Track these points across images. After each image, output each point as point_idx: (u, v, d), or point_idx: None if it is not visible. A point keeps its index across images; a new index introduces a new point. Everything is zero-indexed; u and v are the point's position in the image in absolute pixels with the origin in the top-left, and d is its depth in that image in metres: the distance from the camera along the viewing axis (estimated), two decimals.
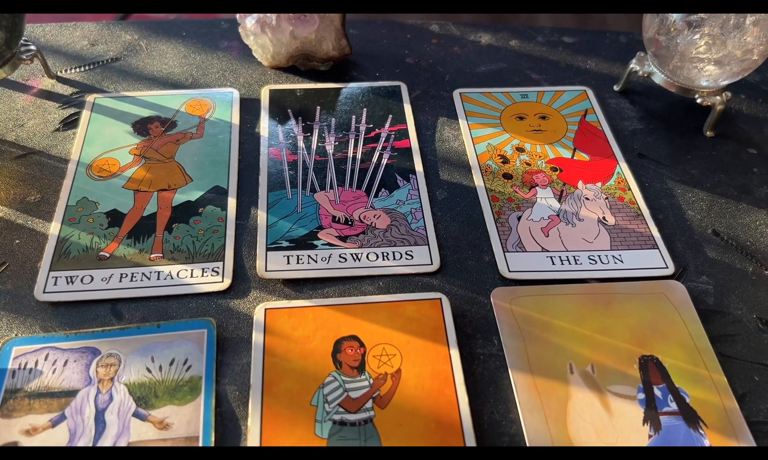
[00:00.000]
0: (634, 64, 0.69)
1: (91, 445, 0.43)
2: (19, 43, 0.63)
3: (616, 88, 0.72)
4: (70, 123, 0.65)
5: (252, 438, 0.44)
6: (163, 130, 0.64)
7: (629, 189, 0.61)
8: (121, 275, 0.53)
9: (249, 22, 0.68)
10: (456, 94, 0.70)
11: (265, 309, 0.50)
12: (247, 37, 0.70)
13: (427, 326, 0.50)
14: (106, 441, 0.43)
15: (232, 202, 0.58)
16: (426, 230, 0.57)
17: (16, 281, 0.52)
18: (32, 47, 0.66)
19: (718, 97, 0.65)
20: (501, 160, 0.63)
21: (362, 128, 0.66)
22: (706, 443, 0.45)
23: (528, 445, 0.44)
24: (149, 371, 0.47)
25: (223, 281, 0.53)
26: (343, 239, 0.56)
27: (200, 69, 0.71)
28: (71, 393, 0.45)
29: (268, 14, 0.67)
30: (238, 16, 0.70)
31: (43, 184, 0.59)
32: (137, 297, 0.52)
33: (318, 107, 0.68)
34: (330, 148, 0.64)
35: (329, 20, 0.68)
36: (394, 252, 0.55)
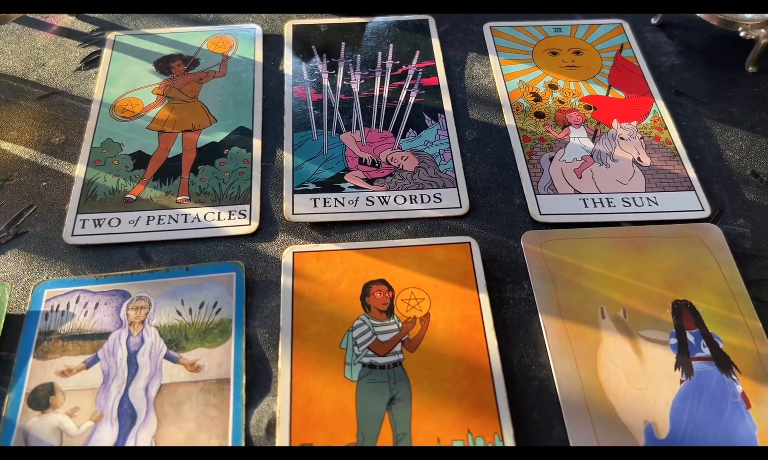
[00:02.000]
0: None
1: (124, 386, 0.44)
2: None
3: (653, 21, 0.69)
4: (92, 62, 0.64)
5: (283, 381, 0.44)
6: (186, 68, 0.63)
7: (665, 128, 0.59)
8: (148, 217, 0.52)
9: None
10: (486, 28, 0.68)
11: (293, 252, 0.50)
12: None
13: (456, 270, 0.49)
14: (140, 383, 0.44)
15: (257, 144, 0.57)
16: (455, 172, 0.56)
17: (45, 224, 0.52)
18: None
19: (762, 30, 0.62)
20: (533, 98, 0.61)
21: (389, 65, 0.64)
22: (739, 389, 0.44)
23: (558, 390, 0.44)
24: (179, 313, 0.47)
25: (250, 224, 0.52)
26: (370, 181, 0.55)
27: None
28: (103, 335, 0.46)
29: None
30: None
31: (66, 125, 0.59)
32: (165, 240, 0.51)
33: (343, 43, 0.66)
34: (356, 87, 0.62)
35: None
36: (422, 195, 0.54)
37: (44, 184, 0.55)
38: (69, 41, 0.65)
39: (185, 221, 0.52)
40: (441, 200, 0.54)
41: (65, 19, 0.67)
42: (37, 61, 0.63)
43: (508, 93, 0.62)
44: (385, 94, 0.61)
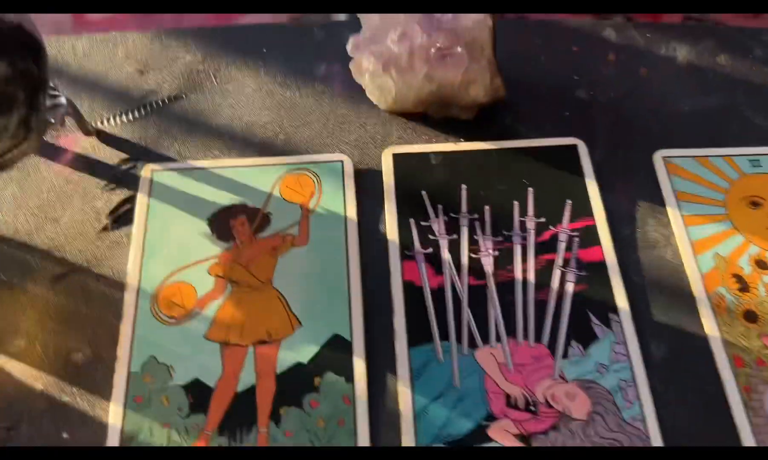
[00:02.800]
0: None
1: None
2: (43, 105, 0.44)
3: None
4: (122, 217, 0.46)
5: None
6: (253, 229, 0.46)
7: None
8: None
9: (366, 62, 0.47)
10: (658, 159, 0.49)
11: None
12: (361, 76, 0.49)
13: None
14: None
15: (359, 368, 0.41)
16: (645, 423, 0.39)
17: None
18: (62, 100, 0.46)
19: None
20: (737, 284, 0.44)
21: (531, 226, 0.46)
22: None
23: None
24: None
25: None
26: (526, 438, 0.39)
27: (293, 114, 0.51)
28: None
29: (395, 50, 0.46)
30: (349, 48, 0.48)
31: (92, 328, 0.42)
32: None
33: (463, 186, 0.48)
34: (488, 264, 0.45)
35: (479, 52, 0.47)
36: None
37: (66, 436, 0.39)
38: (89, 180, 0.48)
39: None
40: None
41: (83, 143, 0.49)
42: (47, 215, 0.46)
43: (702, 275, 0.44)
44: (531, 278, 0.44)
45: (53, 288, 0.43)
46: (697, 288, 0.44)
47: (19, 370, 0.41)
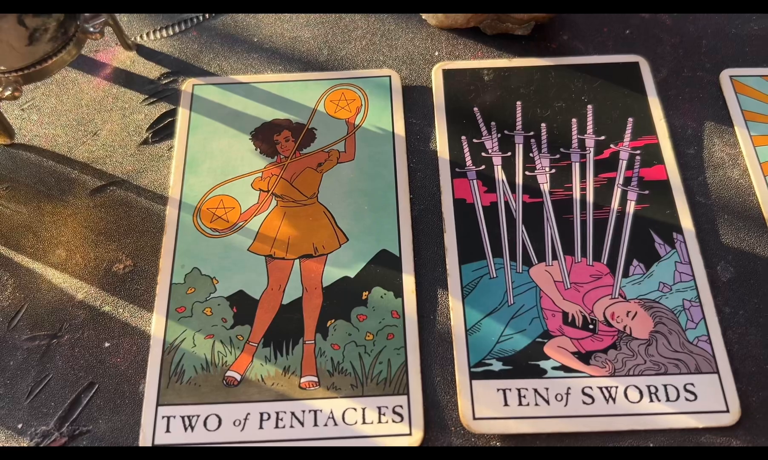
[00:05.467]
0: None
1: None
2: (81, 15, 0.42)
3: None
4: (163, 129, 0.45)
5: None
6: (296, 145, 0.44)
7: None
8: (261, 416, 0.35)
9: None
10: (725, 78, 0.46)
11: None
12: None
13: None
14: None
15: (408, 283, 0.39)
16: (711, 344, 0.37)
17: (112, 419, 0.36)
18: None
19: None
20: None
21: (590, 144, 0.44)
22: None
23: None
24: None
25: (411, 434, 0.35)
26: (585, 357, 0.37)
27: (338, 32, 0.49)
28: None
29: None
30: None
31: (133, 240, 0.41)
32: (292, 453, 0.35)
33: (518, 103, 0.45)
34: (544, 182, 0.42)
35: None
36: (665, 386, 0.36)
37: (107, 344, 0.38)
38: (129, 94, 0.46)
39: (314, 424, 0.35)
40: (695, 397, 0.36)
41: (122, 57, 0.48)
42: (86, 128, 0.45)
43: None
44: (590, 197, 0.42)
45: (92, 198, 0.42)
46: (767, 207, 0.41)
47: (60, 280, 0.40)
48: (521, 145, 0.44)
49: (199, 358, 0.37)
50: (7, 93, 0.40)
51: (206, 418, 0.36)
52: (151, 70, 0.47)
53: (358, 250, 0.40)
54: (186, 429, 0.35)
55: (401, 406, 0.36)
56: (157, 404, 0.36)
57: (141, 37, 0.49)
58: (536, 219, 0.41)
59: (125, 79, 0.47)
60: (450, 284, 0.39)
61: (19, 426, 0.36)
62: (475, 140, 0.44)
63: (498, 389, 0.36)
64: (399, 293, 0.39)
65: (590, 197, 0.42)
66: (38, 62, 0.40)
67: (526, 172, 0.43)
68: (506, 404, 0.36)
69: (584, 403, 0.36)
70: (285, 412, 0.36)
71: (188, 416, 0.36)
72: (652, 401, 0.35)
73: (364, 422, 0.35)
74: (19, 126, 0.45)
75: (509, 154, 0.43)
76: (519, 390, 0.36)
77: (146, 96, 0.46)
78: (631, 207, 0.41)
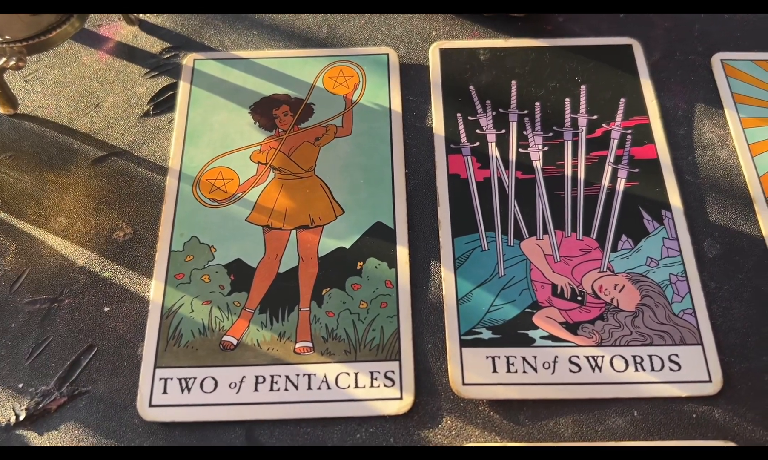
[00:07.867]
0: None
1: None
2: None
3: None
4: (163, 102, 0.46)
5: None
6: (295, 119, 0.45)
7: None
8: (257, 379, 0.36)
9: None
10: (716, 61, 0.47)
11: None
12: None
13: None
14: None
15: (402, 255, 0.40)
16: (696, 317, 0.38)
17: (111, 380, 0.37)
18: None
19: None
20: None
21: (582, 123, 0.44)
22: None
23: None
24: None
25: (401, 398, 0.36)
26: (572, 327, 0.38)
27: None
28: None
29: None
30: None
31: (133, 208, 0.42)
32: (280, 419, 0.36)
33: (513, 82, 0.46)
34: (537, 159, 0.43)
35: None
36: (650, 356, 0.37)
37: (107, 309, 0.39)
38: (131, 68, 0.47)
39: (308, 388, 0.36)
40: (679, 367, 0.37)
41: (124, 32, 0.49)
42: (89, 100, 0.46)
43: (759, 177, 0.42)
44: (581, 174, 0.43)
45: (93, 168, 0.43)
46: (755, 189, 0.42)
47: (61, 246, 0.41)
48: (515, 123, 0.44)
49: (197, 323, 0.38)
50: (12, 63, 0.41)
51: (203, 380, 0.36)
52: (153, 45, 0.48)
53: (354, 222, 0.41)
54: (183, 391, 0.36)
55: (393, 371, 0.37)
56: (155, 367, 0.37)
57: (143, 13, 0.50)
58: (528, 195, 0.42)
59: (127, 53, 0.48)
60: (442, 255, 0.40)
61: (20, 386, 0.37)
62: (470, 118, 0.45)
63: (487, 357, 0.37)
64: (393, 263, 0.40)
65: (581, 174, 0.43)
66: (42, 33, 0.41)
67: (520, 150, 0.44)
68: (495, 371, 0.37)
69: (571, 371, 0.37)
70: (280, 375, 0.37)
71: (185, 379, 0.37)
72: (637, 370, 0.36)
73: (356, 387, 0.36)
74: (22, 97, 0.46)
75: (503, 131, 0.44)
76: (507, 358, 0.37)
77: (148, 70, 0.47)
78: (621, 184, 0.42)
